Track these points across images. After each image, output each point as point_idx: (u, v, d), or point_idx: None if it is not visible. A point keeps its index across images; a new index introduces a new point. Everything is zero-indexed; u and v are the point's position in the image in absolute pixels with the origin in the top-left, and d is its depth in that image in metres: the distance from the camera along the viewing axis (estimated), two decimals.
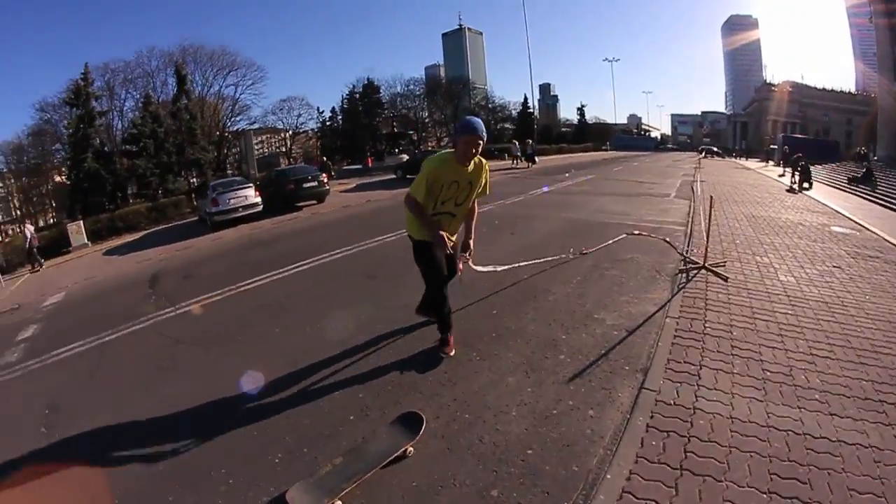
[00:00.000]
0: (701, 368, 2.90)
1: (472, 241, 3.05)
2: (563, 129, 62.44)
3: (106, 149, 29.48)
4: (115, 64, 32.32)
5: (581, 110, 62.11)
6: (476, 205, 3.10)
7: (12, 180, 38.42)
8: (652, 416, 2.43)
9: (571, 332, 3.54)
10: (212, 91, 37.63)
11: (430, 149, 42.64)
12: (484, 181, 2.98)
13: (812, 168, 15.16)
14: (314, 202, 14.58)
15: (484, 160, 2.92)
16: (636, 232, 6.29)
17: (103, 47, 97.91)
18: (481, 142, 2.70)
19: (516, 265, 3.85)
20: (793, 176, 15.46)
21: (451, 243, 2.85)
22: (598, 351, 3.20)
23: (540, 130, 53.75)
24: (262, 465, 2.35)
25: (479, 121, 2.81)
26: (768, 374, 2.83)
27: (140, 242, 13.57)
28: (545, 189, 11.87)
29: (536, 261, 4.70)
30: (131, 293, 7.14)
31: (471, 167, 2.83)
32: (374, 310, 4.43)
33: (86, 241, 14.59)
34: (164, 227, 16.68)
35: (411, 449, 2.24)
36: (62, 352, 4.80)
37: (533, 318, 3.84)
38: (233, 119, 39.35)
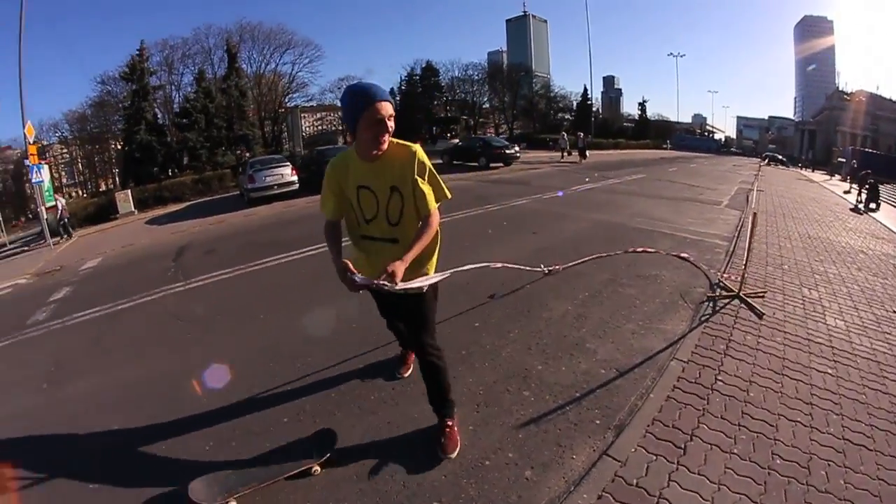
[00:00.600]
0: (691, 440, 2.28)
1: (402, 261, 1.79)
2: (625, 124, 59.89)
3: (161, 121, 31.30)
4: (173, 40, 34.08)
5: (642, 105, 58.81)
6: (434, 218, 1.93)
7: (77, 147, 41.11)
8: (600, 498, 1.94)
9: (550, 362, 3.05)
10: (269, 68, 38.95)
11: (486, 134, 41.91)
12: (418, 180, 1.87)
13: (881, 187, 13.80)
14: None
15: (413, 145, 1.90)
16: (638, 250, 5.68)
17: (164, 24, 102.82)
18: (387, 114, 1.75)
19: (448, 273, 2.30)
20: (859, 194, 14.18)
21: (380, 281, 1.78)
22: (571, 392, 2.69)
23: (599, 124, 51.82)
24: (194, 451, 2.42)
25: (374, 84, 1.79)
26: (777, 462, 2.15)
27: (181, 213, 14.28)
28: (559, 194, 11.20)
29: (471, 267, 3.02)
30: (157, 264, 7.56)
31: (385, 161, 1.86)
32: (370, 307, 4.33)
33: (132, 209, 15.45)
34: (206, 199, 17.49)
35: (317, 468, 2.16)
36: (80, 316, 5.18)
37: (514, 338, 3.44)
38: (290, 96, 40.52)
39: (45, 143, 37.77)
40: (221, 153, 29.85)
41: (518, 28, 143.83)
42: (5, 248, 13.70)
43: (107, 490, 2.21)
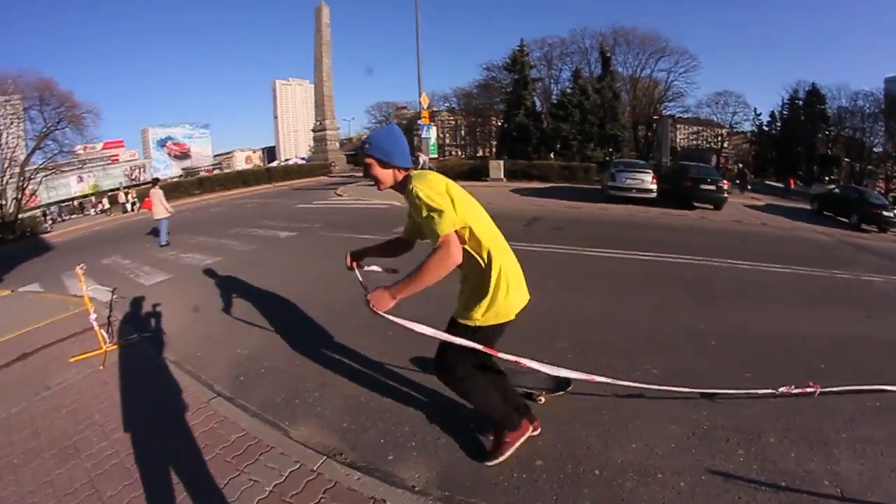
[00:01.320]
0: None
1: (387, 290, 1.82)
2: None
3: (539, 109, 36.33)
4: (551, 39, 38.78)
5: None
6: (441, 250, 1.75)
7: (462, 116, 52.39)
8: None
9: None
10: (644, 73, 39.44)
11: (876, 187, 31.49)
12: (417, 217, 1.87)
13: None
14: (710, 206, 13.52)
15: (413, 184, 1.84)
16: None
17: (542, 24, 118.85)
18: (366, 160, 1.96)
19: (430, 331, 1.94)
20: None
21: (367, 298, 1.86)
22: None
23: None
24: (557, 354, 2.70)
25: (376, 132, 2.01)
26: None
27: (543, 191, 16.53)
28: None
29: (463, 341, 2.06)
30: (508, 223, 9.14)
31: (402, 191, 2.01)
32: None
33: (501, 176, 18.58)
34: (568, 185, 19.15)
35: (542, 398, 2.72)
36: None
37: None
38: (664, 104, 40.39)
39: (434, 109, 48.96)
40: (591, 148, 32.18)
41: None
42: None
43: None
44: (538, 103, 37.02)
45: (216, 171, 42.61)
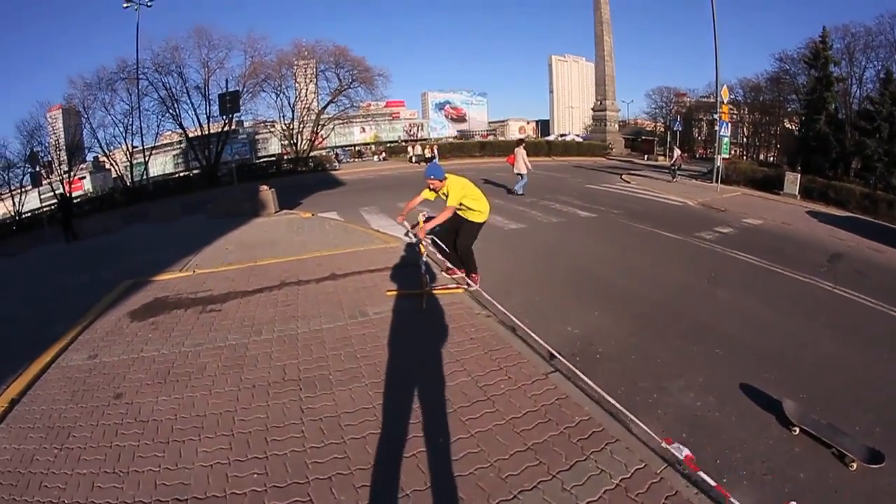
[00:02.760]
0: None
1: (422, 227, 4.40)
2: None
3: (840, 116, 28.30)
4: (854, 28, 28.92)
5: None
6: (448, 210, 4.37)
7: (746, 112, 43.98)
8: None
9: None
10: None
11: None
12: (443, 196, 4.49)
13: None
14: None
15: (446, 186, 4.44)
16: None
17: (845, 7, 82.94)
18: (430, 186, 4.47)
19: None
20: None
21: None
22: None
23: None
24: None
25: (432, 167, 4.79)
26: None
27: (842, 220, 12.69)
28: None
29: None
30: (810, 255, 7.58)
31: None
32: None
33: (796, 192, 15.45)
34: (870, 219, 14.44)
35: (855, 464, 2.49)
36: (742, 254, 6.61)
37: None
38: None
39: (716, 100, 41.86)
40: None
41: None
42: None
43: None
44: (840, 109, 28.82)
45: (490, 137, 46.73)
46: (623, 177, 17.62)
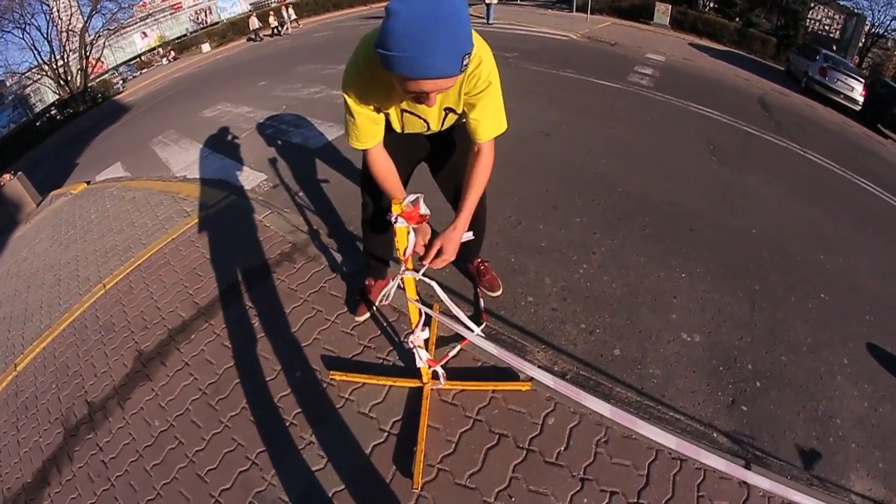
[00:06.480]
0: None
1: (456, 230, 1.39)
2: None
3: None
4: None
5: None
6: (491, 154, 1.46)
7: None
8: None
9: None
10: None
11: None
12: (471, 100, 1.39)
13: None
14: None
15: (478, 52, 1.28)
16: None
17: None
18: (436, 88, 1.09)
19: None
20: None
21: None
22: None
23: None
24: None
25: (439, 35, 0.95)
26: None
27: (725, 55, 13.38)
28: None
29: None
30: (742, 98, 7.54)
31: None
32: None
33: (667, 23, 15.25)
34: (743, 53, 15.24)
35: None
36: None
37: None
38: None
39: None
40: (756, 14, 25.23)
41: None
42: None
43: None
44: None
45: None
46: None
